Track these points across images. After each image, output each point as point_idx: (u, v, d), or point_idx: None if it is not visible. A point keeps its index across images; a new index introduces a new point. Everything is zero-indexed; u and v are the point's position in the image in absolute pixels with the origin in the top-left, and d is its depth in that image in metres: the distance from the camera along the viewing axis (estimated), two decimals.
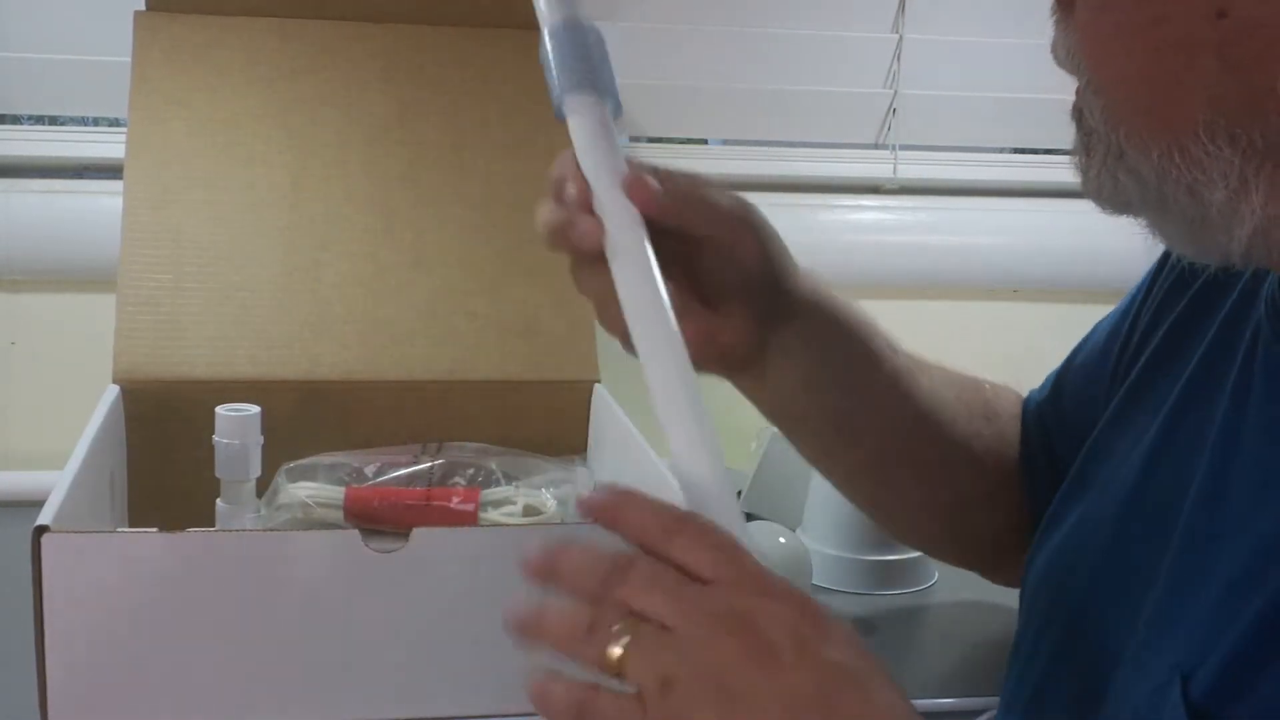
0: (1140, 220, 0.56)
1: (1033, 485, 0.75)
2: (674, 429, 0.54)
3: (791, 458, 1.09)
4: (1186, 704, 0.51)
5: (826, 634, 0.47)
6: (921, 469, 0.75)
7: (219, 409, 0.87)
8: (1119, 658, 0.57)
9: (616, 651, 0.47)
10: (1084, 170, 0.56)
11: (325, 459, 0.95)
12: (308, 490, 0.92)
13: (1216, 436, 0.57)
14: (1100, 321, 0.77)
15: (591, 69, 0.62)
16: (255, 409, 0.88)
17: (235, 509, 0.88)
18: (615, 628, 0.47)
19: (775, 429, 1.11)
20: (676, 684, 0.46)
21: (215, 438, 0.87)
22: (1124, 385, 0.67)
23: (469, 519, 0.91)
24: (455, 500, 0.92)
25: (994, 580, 0.82)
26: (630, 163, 0.62)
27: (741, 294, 0.67)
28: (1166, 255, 0.68)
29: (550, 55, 0.62)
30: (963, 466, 0.75)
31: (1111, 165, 0.54)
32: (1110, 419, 0.67)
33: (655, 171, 0.62)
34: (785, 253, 0.69)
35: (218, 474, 0.87)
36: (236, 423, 0.87)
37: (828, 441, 0.76)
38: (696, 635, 0.46)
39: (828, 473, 0.78)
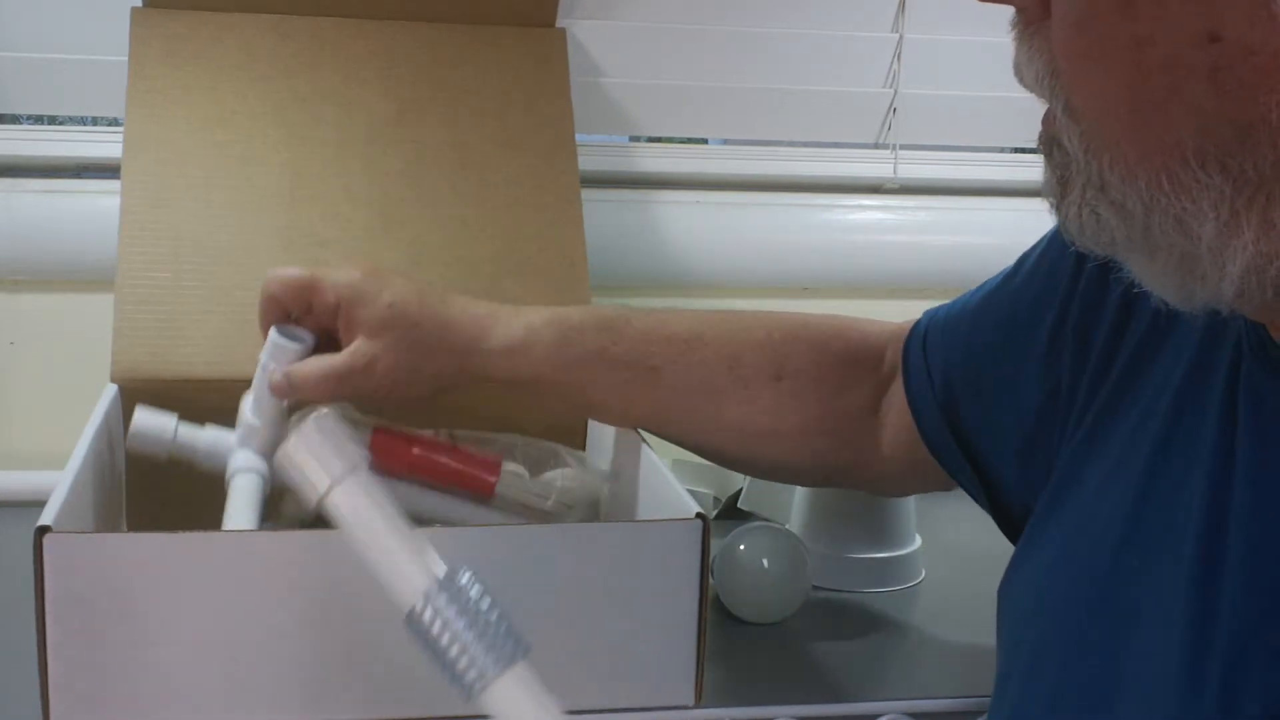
0: (1125, 263, 0.53)
1: (928, 413, 0.80)
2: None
3: None
4: None
5: None
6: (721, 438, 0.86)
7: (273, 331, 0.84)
8: (1123, 689, 0.56)
9: None
10: (1061, 210, 0.53)
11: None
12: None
13: (1210, 472, 0.55)
14: (998, 282, 0.81)
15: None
16: (309, 339, 0.85)
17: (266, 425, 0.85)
18: None
19: None
20: None
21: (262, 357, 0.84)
22: (1086, 410, 0.66)
23: (493, 469, 0.89)
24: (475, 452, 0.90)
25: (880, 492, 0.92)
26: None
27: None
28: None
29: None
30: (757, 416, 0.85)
31: (1092, 199, 0.51)
32: (1079, 444, 0.66)
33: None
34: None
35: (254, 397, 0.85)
36: (289, 353, 0.84)
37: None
38: None
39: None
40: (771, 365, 0.85)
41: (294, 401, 0.82)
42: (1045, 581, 0.65)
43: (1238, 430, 0.54)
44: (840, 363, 0.86)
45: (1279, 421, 0.53)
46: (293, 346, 0.82)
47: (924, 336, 0.82)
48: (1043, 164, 0.54)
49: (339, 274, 0.82)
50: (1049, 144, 0.53)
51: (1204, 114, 0.47)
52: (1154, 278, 0.52)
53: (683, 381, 0.85)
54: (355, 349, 0.81)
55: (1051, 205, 0.54)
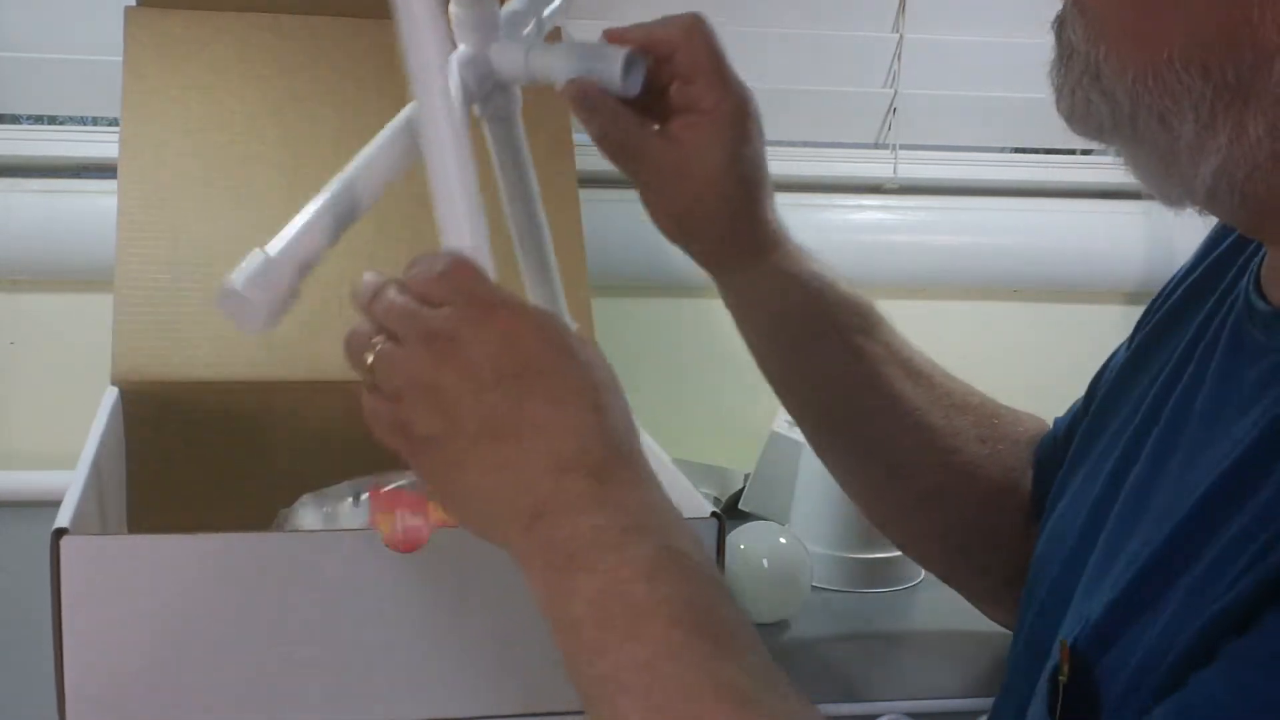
0: (1112, 147, 0.56)
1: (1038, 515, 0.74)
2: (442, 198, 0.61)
3: (787, 458, 1.09)
4: (1073, 656, 0.52)
5: (526, 362, 0.52)
6: (877, 464, 0.76)
7: None
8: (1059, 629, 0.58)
9: (368, 359, 0.55)
10: (1059, 87, 0.56)
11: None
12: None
13: (1169, 413, 0.58)
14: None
15: None
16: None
17: None
18: (373, 339, 0.55)
19: (775, 430, 1.11)
20: (403, 394, 0.53)
21: None
22: (1116, 373, 0.68)
23: None
24: None
25: (991, 615, 0.81)
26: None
27: (722, 177, 0.70)
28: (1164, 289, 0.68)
29: None
30: (932, 471, 0.75)
31: (1086, 85, 0.53)
32: (1103, 397, 0.68)
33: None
34: (767, 183, 0.73)
35: None
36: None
37: (780, 394, 0.79)
38: (411, 352, 0.53)
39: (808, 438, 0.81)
40: (976, 429, 0.78)
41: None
42: (1049, 531, 0.67)
43: (1209, 369, 0.57)
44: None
45: (1232, 364, 0.55)
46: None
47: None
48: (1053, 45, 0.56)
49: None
50: (1059, 25, 0.55)
51: (1193, 16, 0.49)
52: (1139, 168, 0.55)
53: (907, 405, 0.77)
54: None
55: (1052, 81, 0.56)
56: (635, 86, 0.69)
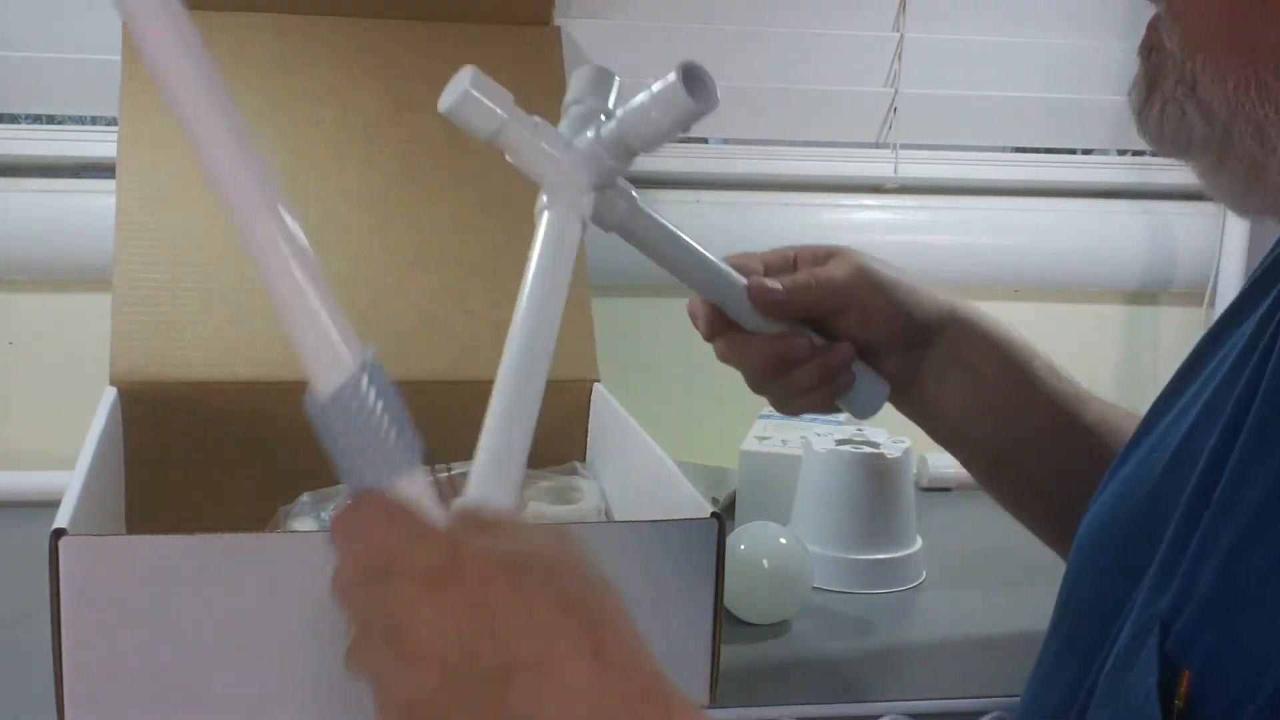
0: (1196, 165, 0.55)
1: None
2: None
3: (764, 473, 1.09)
4: (1161, 651, 0.51)
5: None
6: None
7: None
8: (1125, 612, 0.57)
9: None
10: (1142, 110, 0.55)
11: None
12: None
13: (1239, 395, 0.56)
14: None
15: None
16: None
17: None
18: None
19: (744, 449, 1.11)
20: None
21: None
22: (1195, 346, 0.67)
23: None
24: None
25: None
26: (750, 265, 0.73)
27: (883, 340, 0.74)
28: None
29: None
30: None
31: (1181, 96, 0.53)
32: (1176, 376, 0.66)
33: (771, 267, 0.73)
34: (902, 286, 0.75)
35: None
36: None
37: (987, 464, 0.79)
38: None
39: (998, 496, 0.80)
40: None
41: None
42: (1110, 498, 0.65)
43: (1274, 357, 0.56)
44: None
45: None
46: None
47: None
48: (1138, 67, 0.56)
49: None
50: (1147, 48, 0.55)
51: None
52: (1218, 182, 0.54)
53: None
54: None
55: (1134, 109, 0.56)
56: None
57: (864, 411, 0.77)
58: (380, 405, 0.47)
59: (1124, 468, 0.65)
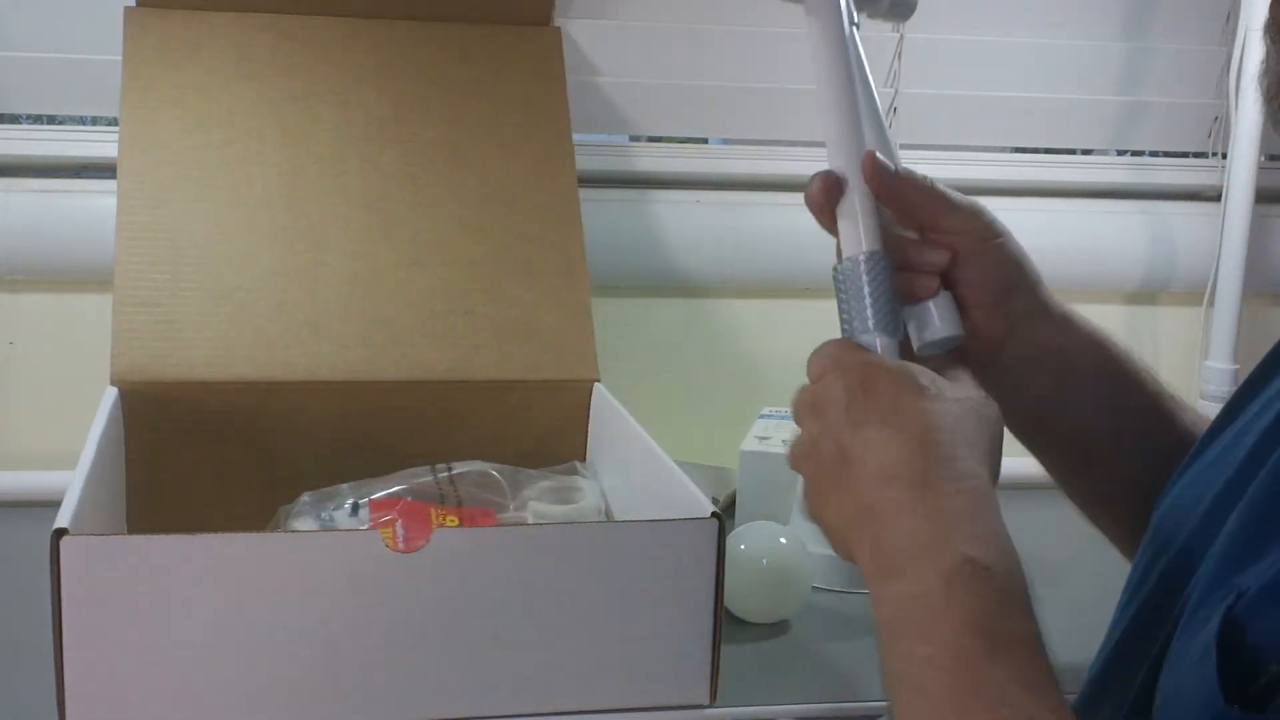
0: None
1: None
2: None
3: (765, 473, 1.09)
4: (1225, 620, 0.50)
5: (872, 400, 0.57)
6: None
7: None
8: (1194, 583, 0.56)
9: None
10: (1275, 95, 0.55)
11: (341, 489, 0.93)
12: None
13: None
14: None
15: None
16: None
17: None
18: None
19: (744, 450, 1.11)
20: (801, 445, 0.61)
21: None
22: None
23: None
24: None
25: None
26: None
27: (981, 286, 0.75)
28: None
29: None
30: None
31: None
32: (1267, 361, 0.66)
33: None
34: (1020, 249, 0.77)
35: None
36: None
37: (1075, 461, 0.77)
38: (802, 409, 0.61)
39: (1072, 493, 0.78)
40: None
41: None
42: (1193, 479, 0.65)
43: None
44: None
45: None
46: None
47: None
48: (1265, 51, 0.56)
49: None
50: (1275, 28, 0.55)
51: None
52: None
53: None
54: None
55: (1264, 94, 0.56)
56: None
57: (929, 340, 0.70)
58: (868, 288, 0.66)
59: (1210, 448, 0.65)
